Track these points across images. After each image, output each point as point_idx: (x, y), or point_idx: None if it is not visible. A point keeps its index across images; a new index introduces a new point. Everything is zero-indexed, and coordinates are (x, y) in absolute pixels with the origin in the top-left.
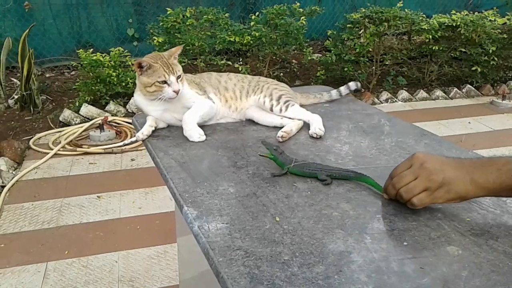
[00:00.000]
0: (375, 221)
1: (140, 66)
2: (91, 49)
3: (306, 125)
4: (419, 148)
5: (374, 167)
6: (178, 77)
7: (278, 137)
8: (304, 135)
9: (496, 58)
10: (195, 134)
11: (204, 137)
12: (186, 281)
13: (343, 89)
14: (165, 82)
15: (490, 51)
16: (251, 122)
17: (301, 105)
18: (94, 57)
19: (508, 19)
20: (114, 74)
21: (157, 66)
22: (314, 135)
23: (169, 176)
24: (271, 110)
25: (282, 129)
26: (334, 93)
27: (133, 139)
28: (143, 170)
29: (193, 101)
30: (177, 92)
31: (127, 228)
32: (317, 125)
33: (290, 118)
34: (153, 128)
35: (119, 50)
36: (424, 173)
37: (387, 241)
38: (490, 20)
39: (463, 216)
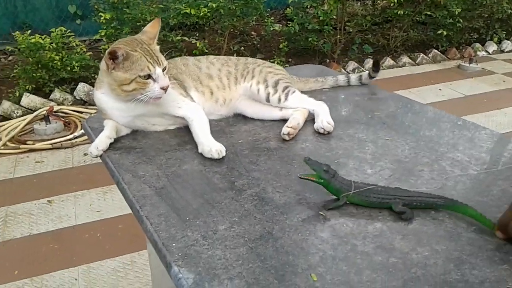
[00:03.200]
0: None
1: (114, 56)
2: (29, 31)
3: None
4: (460, 144)
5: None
6: (163, 69)
7: (284, 134)
8: (312, 132)
9: (461, 20)
10: (215, 148)
11: (224, 154)
12: None
13: (353, 78)
14: (149, 76)
15: (456, 13)
16: (239, 118)
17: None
18: (33, 40)
19: None
20: (57, 58)
21: (137, 55)
22: (321, 130)
23: (143, 212)
24: (267, 100)
25: (288, 124)
26: (341, 78)
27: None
28: (99, 165)
29: (179, 107)
30: (165, 89)
31: (86, 237)
32: (324, 117)
33: (290, 108)
34: (112, 140)
35: (61, 30)
36: None
37: None
38: None
39: None
